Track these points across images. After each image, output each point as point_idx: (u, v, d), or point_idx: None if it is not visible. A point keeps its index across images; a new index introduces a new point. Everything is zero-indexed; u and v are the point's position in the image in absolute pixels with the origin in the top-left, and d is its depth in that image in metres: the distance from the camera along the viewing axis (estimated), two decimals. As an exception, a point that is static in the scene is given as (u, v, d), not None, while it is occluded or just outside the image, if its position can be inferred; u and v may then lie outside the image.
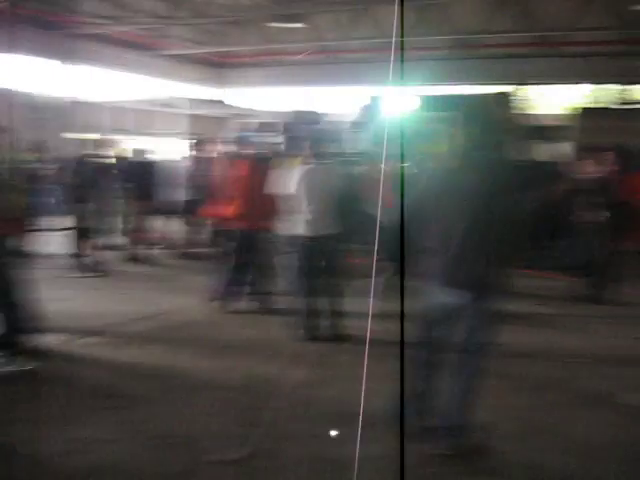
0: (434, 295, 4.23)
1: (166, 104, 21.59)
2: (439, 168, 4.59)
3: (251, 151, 8.31)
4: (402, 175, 3.34)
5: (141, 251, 11.00)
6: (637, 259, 9.98)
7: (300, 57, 21.69)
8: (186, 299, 8.27)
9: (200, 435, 4.35)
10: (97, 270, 9.63)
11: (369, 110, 13.66)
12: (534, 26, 19.98)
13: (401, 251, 3.05)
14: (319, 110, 18.44)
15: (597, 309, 8.66)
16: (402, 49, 2.52)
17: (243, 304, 7.85)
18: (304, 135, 9.37)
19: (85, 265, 9.67)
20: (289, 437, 4.37)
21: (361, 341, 3.79)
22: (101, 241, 10.26)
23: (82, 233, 9.76)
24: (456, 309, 4.19)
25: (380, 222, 3.56)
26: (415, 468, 3.73)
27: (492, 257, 4.17)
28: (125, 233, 11.25)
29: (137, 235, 11.11)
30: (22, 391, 5.09)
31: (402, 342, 2.97)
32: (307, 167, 7.22)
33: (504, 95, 16.09)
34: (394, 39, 2.50)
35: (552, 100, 21.11)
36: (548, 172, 11.28)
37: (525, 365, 6.07)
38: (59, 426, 4.40)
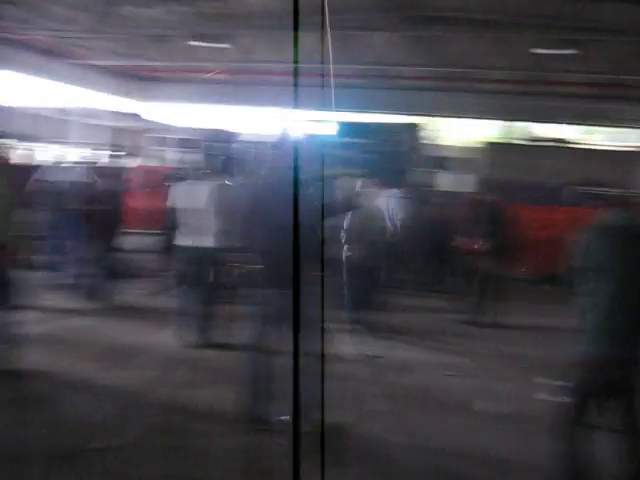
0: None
1: (82, 114, 21.21)
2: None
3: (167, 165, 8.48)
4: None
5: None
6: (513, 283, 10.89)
7: (209, 76, 21.78)
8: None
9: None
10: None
11: (287, 133, 13.92)
12: (449, 62, 20.78)
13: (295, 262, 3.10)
14: (236, 129, 18.58)
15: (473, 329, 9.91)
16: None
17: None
18: (221, 153, 9.53)
19: None
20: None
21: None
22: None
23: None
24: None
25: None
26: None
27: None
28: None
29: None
30: None
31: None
32: (219, 183, 7.55)
33: (415, 126, 16.73)
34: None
35: (462, 133, 22.01)
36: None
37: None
38: None
